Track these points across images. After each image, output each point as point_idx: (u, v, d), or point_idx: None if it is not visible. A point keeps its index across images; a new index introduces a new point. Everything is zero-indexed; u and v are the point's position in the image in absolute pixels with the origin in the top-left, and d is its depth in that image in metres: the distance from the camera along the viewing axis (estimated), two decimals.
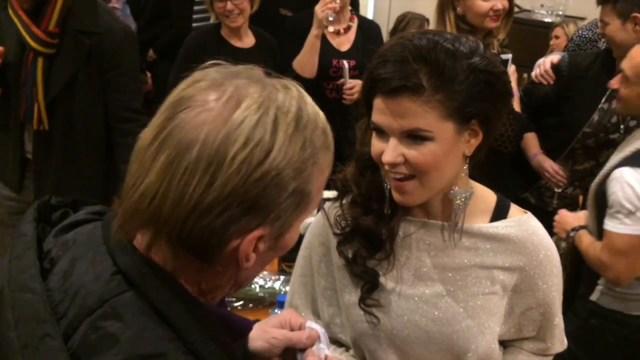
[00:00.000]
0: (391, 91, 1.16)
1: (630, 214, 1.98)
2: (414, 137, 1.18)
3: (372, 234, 1.32)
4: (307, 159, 0.81)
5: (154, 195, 0.77)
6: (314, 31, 3.04)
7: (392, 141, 1.19)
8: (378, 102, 1.20)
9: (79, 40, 2.36)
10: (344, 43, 3.17)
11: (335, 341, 1.44)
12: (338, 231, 1.35)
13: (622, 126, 2.65)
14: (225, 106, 0.78)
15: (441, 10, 2.56)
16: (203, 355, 0.78)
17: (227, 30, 3.13)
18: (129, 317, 0.77)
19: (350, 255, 1.34)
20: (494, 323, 1.31)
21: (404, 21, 3.66)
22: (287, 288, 2.10)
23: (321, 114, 0.86)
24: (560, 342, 1.42)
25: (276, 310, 1.93)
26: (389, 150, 1.19)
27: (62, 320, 0.79)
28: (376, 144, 1.23)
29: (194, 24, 4.76)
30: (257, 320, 1.19)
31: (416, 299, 1.31)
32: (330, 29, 3.13)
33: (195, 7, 4.83)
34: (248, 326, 0.95)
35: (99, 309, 0.78)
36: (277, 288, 2.16)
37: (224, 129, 0.76)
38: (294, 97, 0.82)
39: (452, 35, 1.21)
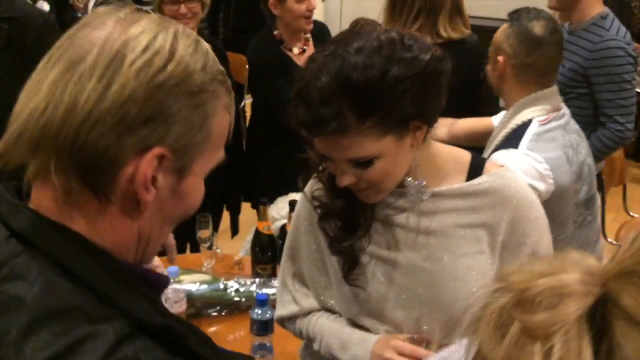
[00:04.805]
0: (319, 135, 1.15)
1: None
2: (359, 163, 1.18)
3: (347, 215, 1.31)
4: (208, 82, 0.77)
5: (44, 108, 0.71)
6: None
7: (341, 166, 1.20)
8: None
9: None
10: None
11: (327, 309, 1.44)
12: (317, 207, 1.35)
13: None
14: (123, 22, 0.75)
15: None
16: (120, 304, 0.72)
17: None
18: (32, 275, 0.70)
19: (330, 232, 1.33)
20: (485, 283, 1.30)
21: (357, 27, 3.69)
22: (264, 290, 2.08)
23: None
24: None
25: (257, 310, 1.88)
26: (340, 176, 1.21)
27: None
28: (328, 163, 1.24)
29: None
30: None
31: (402, 264, 1.31)
32: (295, 50, 3.04)
33: None
34: (165, 282, 0.86)
35: None
36: (254, 290, 2.11)
37: (122, 37, 0.73)
38: (192, 32, 0.80)
39: (365, 39, 1.13)
